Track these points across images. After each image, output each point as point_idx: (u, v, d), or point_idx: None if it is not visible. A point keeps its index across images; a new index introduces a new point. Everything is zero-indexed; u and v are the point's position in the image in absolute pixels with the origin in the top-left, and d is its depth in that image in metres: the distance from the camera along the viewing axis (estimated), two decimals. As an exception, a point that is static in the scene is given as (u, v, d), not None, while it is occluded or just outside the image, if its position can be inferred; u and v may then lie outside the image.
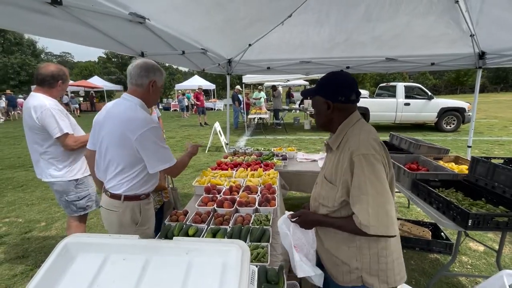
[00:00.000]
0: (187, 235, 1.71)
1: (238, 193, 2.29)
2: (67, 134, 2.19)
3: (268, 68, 3.74)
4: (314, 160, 3.50)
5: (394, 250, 1.22)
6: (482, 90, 40.02)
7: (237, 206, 2.02)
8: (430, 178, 2.47)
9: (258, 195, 2.24)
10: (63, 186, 2.33)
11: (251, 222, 1.85)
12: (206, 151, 7.70)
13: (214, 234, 1.70)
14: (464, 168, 2.80)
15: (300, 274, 1.25)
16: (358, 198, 1.10)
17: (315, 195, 1.37)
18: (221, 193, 2.30)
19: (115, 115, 1.50)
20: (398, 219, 3.28)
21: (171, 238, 1.73)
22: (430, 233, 3.00)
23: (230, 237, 1.66)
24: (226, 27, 2.30)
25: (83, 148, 2.42)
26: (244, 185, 2.50)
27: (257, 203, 2.08)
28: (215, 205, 2.05)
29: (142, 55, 1.72)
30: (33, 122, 2.11)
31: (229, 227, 1.81)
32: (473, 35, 2.86)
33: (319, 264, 1.36)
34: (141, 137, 1.44)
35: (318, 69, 3.79)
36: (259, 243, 1.60)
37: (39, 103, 2.11)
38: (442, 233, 3.03)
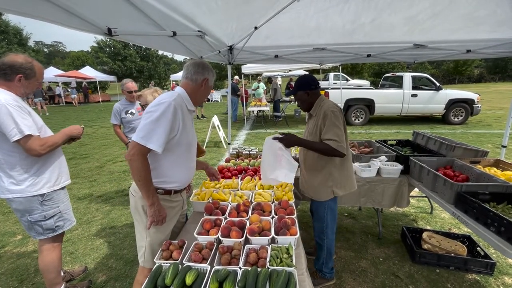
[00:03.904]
0: (184, 283, 1.26)
1: (247, 214, 1.83)
2: (29, 136, 1.71)
3: (276, 56, 3.22)
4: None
5: (347, 168, 2.08)
6: (479, 80, 39.50)
7: (247, 235, 1.57)
8: (479, 191, 2.03)
9: (273, 216, 1.79)
10: (24, 204, 1.86)
11: (268, 260, 1.40)
12: (204, 147, 7.21)
13: (220, 283, 1.25)
14: (511, 175, 2.38)
15: (290, 179, 1.81)
16: (328, 129, 1.86)
17: (302, 148, 2.17)
18: (226, 214, 1.84)
19: None
20: (425, 230, 2.88)
21: (162, 288, 1.32)
22: (465, 248, 2.61)
23: (243, 287, 1.22)
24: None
25: (53, 153, 1.95)
26: (253, 201, 2.05)
27: (273, 230, 1.63)
28: (219, 234, 1.59)
29: (110, 33, 1.20)
30: None
31: (240, 268, 1.36)
32: (525, 15, 2.38)
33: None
34: None
35: (333, 57, 3.29)
36: (283, 299, 1.15)
37: None
38: (479, 248, 2.64)
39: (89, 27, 1.12)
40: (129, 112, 3.35)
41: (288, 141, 1.90)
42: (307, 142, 1.96)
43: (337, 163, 2.01)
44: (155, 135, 1.39)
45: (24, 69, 1.77)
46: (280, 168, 1.79)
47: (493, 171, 2.48)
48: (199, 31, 2.01)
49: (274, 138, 1.92)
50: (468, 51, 2.92)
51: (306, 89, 2.01)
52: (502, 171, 2.50)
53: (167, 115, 1.41)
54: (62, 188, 2.06)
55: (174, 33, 1.66)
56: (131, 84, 3.35)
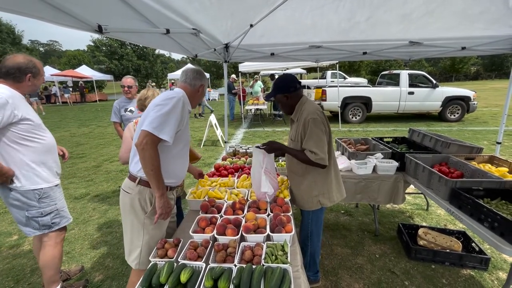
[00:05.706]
0: (178, 281, 1.27)
1: (243, 212, 1.84)
2: None
3: (272, 54, 3.22)
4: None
5: (333, 176, 1.98)
6: (476, 78, 39.68)
7: (243, 233, 1.57)
8: (474, 187, 2.05)
9: (269, 214, 1.80)
10: (22, 200, 1.86)
11: (263, 257, 1.41)
12: (202, 146, 7.21)
13: (215, 280, 1.25)
14: (505, 171, 2.40)
15: (264, 189, 1.89)
16: (308, 138, 1.78)
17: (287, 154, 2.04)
18: (222, 212, 1.84)
19: None
20: (421, 226, 2.90)
21: (157, 287, 1.32)
22: (460, 244, 2.63)
23: (238, 285, 1.22)
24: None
25: (49, 151, 1.97)
26: (249, 199, 2.05)
27: (268, 227, 1.63)
28: (215, 232, 1.60)
29: (100, 30, 1.19)
30: None
31: (235, 265, 1.37)
32: (519, 12, 2.39)
33: None
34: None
35: (329, 55, 3.29)
36: (278, 296, 1.16)
37: None
38: (473, 243, 2.67)
39: (79, 24, 1.11)
40: (128, 109, 3.33)
41: (270, 147, 1.90)
42: (289, 150, 1.91)
43: (321, 170, 1.90)
44: (167, 126, 1.45)
45: (30, 68, 1.84)
46: (260, 187, 1.91)
47: (487, 167, 2.50)
48: (193, 28, 1.99)
49: (257, 147, 1.94)
50: (463, 48, 2.93)
51: (285, 92, 1.88)
52: (496, 167, 2.52)
53: (177, 109, 1.50)
54: (57, 185, 2.07)
55: (168, 31, 1.65)
56: (126, 80, 3.24)
